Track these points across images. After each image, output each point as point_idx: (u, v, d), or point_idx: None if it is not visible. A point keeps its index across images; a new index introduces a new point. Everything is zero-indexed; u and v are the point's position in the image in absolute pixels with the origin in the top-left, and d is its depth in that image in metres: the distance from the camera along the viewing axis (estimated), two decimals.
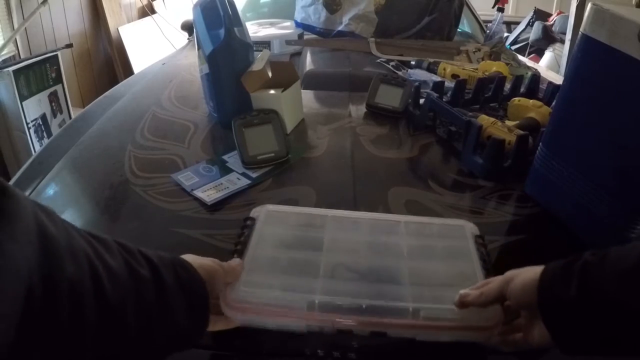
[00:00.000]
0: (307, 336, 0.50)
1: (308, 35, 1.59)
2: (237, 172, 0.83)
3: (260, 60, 0.97)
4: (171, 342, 0.43)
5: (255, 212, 0.63)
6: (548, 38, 3.61)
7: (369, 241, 0.59)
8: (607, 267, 0.38)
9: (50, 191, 0.82)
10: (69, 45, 2.42)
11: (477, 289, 0.47)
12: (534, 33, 3.68)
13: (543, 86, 1.11)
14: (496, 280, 0.46)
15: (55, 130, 2.18)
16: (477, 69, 1.23)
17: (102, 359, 0.36)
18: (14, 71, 1.95)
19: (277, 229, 0.61)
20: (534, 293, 0.42)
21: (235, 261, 0.52)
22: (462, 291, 0.47)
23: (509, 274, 0.46)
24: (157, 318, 0.40)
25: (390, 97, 1.06)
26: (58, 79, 2.28)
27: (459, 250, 0.57)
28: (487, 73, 1.20)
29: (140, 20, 3.35)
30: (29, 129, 2.06)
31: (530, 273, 0.44)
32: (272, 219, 0.62)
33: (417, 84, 1.07)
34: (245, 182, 0.80)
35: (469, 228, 0.61)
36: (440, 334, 0.47)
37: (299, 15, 1.62)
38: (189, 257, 0.48)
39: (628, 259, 0.38)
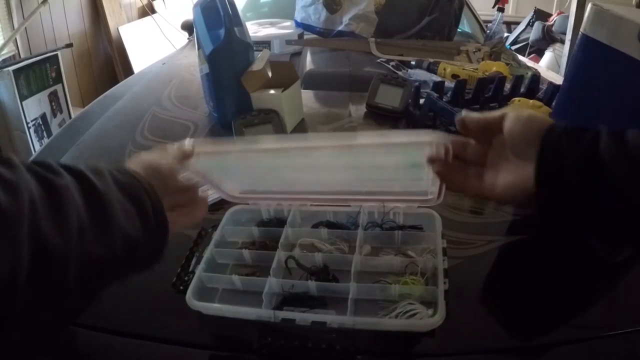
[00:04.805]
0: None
1: (308, 35, 1.59)
2: None
3: (260, 60, 0.97)
4: (128, 255, 0.39)
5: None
6: (548, 38, 3.61)
7: (328, 232, 0.63)
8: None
9: None
10: (69, 45, 2.42)
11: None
12: (534, 33, 3.68)
13: (543, 86, 1.11)
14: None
15: (55, 130, 2.19)
16: (477, 69, 1.23)
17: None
18: (14, 71, 1.96)
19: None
20: (536, 138, 0.41)
21: (186, 143, 0.50)
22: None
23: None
24: (96, 227, 0.36)
25: (390, 97, 1.06)
26: (58, 79, 2.28)
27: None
28: (487, 73, 1.20)
29: (141, 20, 3.35)
30: (29, 128, 2.07)
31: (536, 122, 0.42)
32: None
33: (417, 84, 1.07)
34: None
35: (437, 222, 0.62)
36: (378, 325, 0.50)
37: (299, 15, 1.62)
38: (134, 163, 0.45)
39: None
